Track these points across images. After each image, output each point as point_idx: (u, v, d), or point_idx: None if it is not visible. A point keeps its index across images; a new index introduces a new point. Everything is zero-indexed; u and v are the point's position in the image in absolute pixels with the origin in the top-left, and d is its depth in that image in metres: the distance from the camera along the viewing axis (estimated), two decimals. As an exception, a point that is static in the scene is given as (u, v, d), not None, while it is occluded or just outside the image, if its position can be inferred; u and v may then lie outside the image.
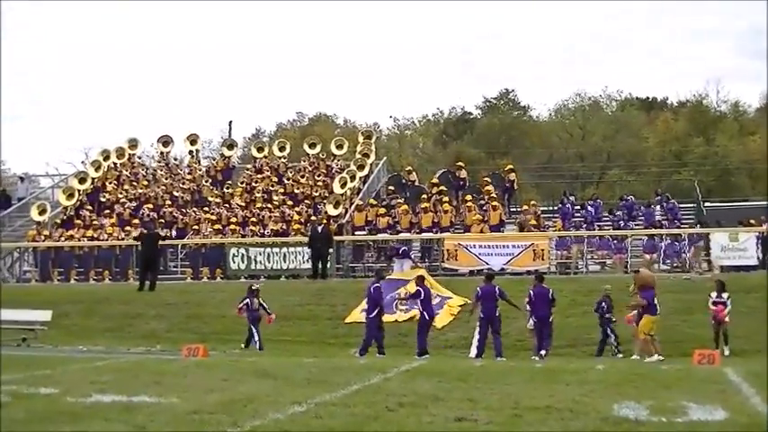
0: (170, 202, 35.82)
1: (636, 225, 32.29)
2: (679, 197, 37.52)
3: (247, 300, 22.98)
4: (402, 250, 28.60)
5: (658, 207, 33.60)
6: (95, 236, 33.79)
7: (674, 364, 17.62)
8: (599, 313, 22.15)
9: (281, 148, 39.46)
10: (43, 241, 33.98)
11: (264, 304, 23.22)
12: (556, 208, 35.30)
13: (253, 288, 23.35)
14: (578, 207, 34.37)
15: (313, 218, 32.88)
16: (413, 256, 29.08)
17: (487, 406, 11.10)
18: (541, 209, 34.63)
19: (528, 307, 21.65)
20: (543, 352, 20.85)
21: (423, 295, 21.68)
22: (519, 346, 22.19)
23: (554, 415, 10.54)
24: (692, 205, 36.01)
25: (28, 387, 12.52)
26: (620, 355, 21.30)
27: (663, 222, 31.95)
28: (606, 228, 32.38)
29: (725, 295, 21.94)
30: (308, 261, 30.19)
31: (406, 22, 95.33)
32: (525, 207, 32.72)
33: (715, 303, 21.88)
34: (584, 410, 10.80)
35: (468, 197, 33.02)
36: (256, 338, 22.68)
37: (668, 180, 52.89)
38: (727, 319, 21.70)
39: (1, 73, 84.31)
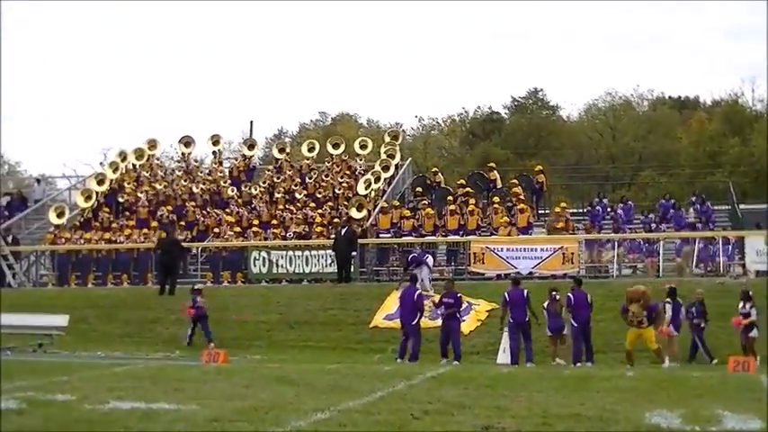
0: (192, 204, 35.45)
1: (668, 227, 31.79)
2: (713, 199, 36.89)
3: (194, 299, 24.21)
4: (411, 257, 27.25)
5: (691, 209, 33.07)
6: (113, 238, 33.49)
7: (708, 372, 17.26)
8: (689, 319, 21.67)
9: (311, 149, 39.09)
10: (62, 244, 33.64)
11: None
12: (585, 210, 34.87)
13: (195, 288, 25.02)
14: (608, 209, 33.94)
15: (336, 220, 32.55)
16: (426, 262, 27.04)
17: (515, 414, 10.92)
18: (571, 211, 34.19)
19: (545, 313, 21.62)
20: (590, 364, 20.64)
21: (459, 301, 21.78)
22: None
23: (584, 423, 10.34)
24: (726, 207, 35.45)
25: (44, 394, 12.42)
26: (714, 361, 20.75)
27: (697, 225, 31.44)
28: (638, 230, 31.92)
29: (748, 305, 21.27)
30: (331, 264, 29.80)
31: (430, 20, 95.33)
32: (557, 210, 32.26)
33: (742, 315, 21.26)
34: (615, 419, 10.60)
35: (496, 199, 32.61)
36: (190, 332, 24.04)
37: (702, 181, 52.11)
38: (753, 333, 21.03)
39: (1, 73, 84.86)
